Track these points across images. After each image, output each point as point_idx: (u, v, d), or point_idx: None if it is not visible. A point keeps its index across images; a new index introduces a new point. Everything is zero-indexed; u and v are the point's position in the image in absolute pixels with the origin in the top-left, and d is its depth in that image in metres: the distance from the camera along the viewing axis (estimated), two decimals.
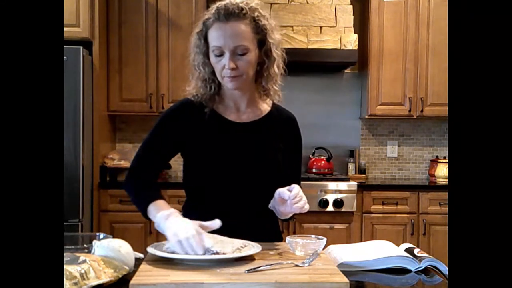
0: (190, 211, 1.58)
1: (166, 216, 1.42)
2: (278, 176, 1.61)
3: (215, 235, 1.40)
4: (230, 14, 1.48)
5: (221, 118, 1.61)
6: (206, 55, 1.55)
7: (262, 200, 1.57)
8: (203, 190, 1.61)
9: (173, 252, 1.31)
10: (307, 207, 1.47)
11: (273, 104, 1.67)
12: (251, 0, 1.53)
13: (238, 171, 1.58)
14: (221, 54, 1.50)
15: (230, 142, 1.59)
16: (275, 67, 1.57)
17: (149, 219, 1.53)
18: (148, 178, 1.62)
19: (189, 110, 1.61)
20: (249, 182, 1.59)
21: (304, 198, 1.47)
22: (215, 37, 1.50)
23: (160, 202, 1.52)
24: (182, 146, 1.61)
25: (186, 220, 1.40)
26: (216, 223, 1.40)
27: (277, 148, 1.63)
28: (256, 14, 1.52)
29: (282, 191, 1.47)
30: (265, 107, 1.66)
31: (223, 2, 1.51)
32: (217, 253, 1.28)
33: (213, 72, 1.56)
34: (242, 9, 1.49)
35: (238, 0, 1.51)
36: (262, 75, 1.58)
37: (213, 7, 1.52)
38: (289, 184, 1.56)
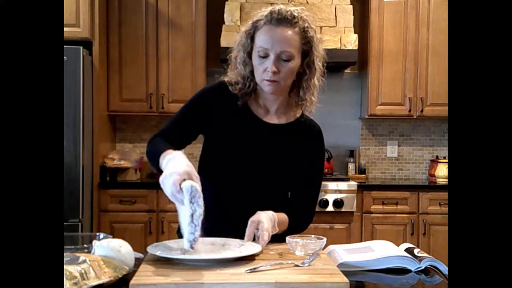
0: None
1: (168, 158, 1.40)
2: (288, 183, 1.65)
3: (216, 239, 1.42)
4: (282, 19, 1.52)
5: (251, 113, 1.64)
6: (249, 54, 1.58)
7: (269, 201, 1.59)
8: (215, 179, 1.63)
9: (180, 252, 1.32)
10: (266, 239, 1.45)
11: (302, 113, 1.69)
12: (303, 11, 1.57)
13: (251, 168, 1.61)
14: (265, 56, 1.53)
15: (253, 138, 1.62)
16: (315, 79, 1.61)
17: (157, 168, 1.48)
18: (169, 142, 1.57)
19: (225, 94, 1.63)
20: (259, 181, 1.62)
21: (265, 235, 1.44)
22: (263, 39, 1.53)
23: (170, 150, 1.45)
24: (207, 127, 1.63)
25: (183, 162, 1.34)
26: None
27: (294, 156, 1.65)
28: (306, 24, 1.55)
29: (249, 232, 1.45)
30: (294, 115, 1.69)
31: (277, 7, 1.54)
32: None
33: (252, 72, 1.59)
34: (294, 17, 1.53)
35: (292, 8, 1.55)
36: (301, 86, 1.61)
37: (266, 10, 1.55)
38: (301, 194, 1.65)
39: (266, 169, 1.62)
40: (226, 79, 1.66)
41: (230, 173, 1.62)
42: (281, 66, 1.52)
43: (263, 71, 1.53)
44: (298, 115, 1.69)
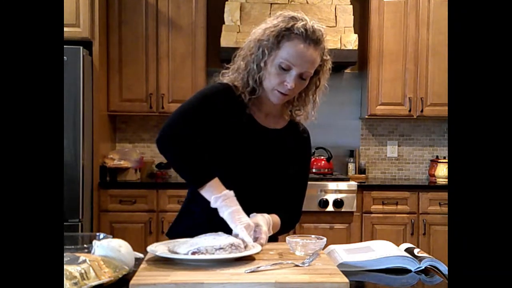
0: (193, 203, 1.63)
1: (222, 197, 1.47)
2: (284, 185, 1.66)
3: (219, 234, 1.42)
4: (314, 40, 1.51)
5: (253, 119, 1.62)
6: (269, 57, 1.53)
7: (266, 204, 1.60)
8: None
9: (175, 252, 1.32)
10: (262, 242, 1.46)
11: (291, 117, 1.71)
12: (323, 28, 1.56)
13: (256, 174, 1.62)
14: (287, 69, 1.51)
15: (257, 144, 1.62)
16: (316, 96, 1.64)
17: (194, 185, 1.53)
18: (192, 138, 1.52)
19: (232, 98, 1.58)
20: (258, 184, 1.62)
21: (263, 238, 1.46)
22: (292, 54, 1.49)
23: (216, 182, 1.50)
24: (214, 130, 1.57)
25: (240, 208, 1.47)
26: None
27: (290, 158, 1.67)
28: (327, 46, 1.57)
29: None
30: (286, 119, 1.70)
31: (311, 23, 1.51)
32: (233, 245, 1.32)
33: (261, 76, 1.55)
34: (322, 36, 1.53)
35: (321, 27, 1.54)
36: (303, 100, 1.63)
37: (300, 21, 1.51)
38: (291, 194, 1.67)
39: (270, 173, 1.63)
40: (227, 80, 1.61)
41: (235, 179, 1.58)
42: (298, 83, 1.53)
43: (280, 83, 1.52)
44: (288, 118, 1.70)
